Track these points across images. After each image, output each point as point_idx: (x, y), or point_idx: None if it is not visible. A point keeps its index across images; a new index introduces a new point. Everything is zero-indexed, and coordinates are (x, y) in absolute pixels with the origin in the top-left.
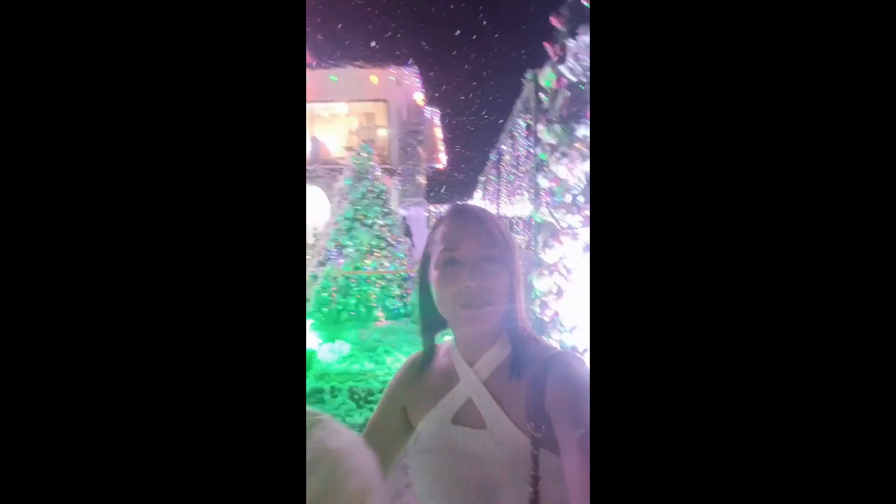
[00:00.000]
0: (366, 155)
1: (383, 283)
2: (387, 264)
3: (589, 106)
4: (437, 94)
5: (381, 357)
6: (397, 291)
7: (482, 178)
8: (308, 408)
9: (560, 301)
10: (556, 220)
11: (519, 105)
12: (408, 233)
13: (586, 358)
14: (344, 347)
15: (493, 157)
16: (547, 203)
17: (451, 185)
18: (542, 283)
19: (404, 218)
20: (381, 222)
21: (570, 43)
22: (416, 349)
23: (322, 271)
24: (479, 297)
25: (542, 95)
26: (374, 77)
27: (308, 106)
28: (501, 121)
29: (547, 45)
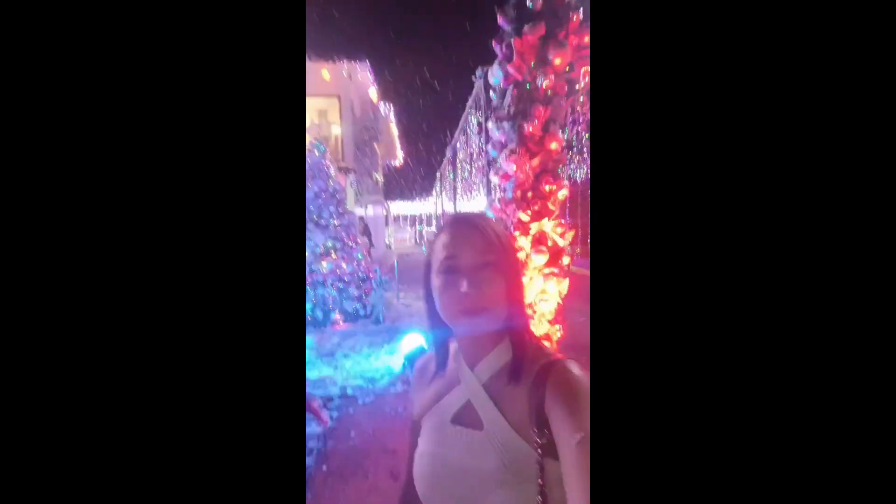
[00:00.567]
0: (318, 153)
1: (340, 286)
2: (344, 266)
3: (539, 104)
4: (391, 90)
5: (338, 362)
6: (355, 293)
7: (439, 176)
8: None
9: None
10: (507, 216)
11: (471, 102)
12: (366, 232)
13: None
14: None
15: (448, 154)
16: (498, 199)
17: (408, 182)
18: None
19: (361, 217)
20: (336, 222)
21: (516, 42)
22: (376, 350)
23: None
24: (478, 303)
25: (491, 93)
26: (325, 72)
27: None
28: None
29: (495, 44)
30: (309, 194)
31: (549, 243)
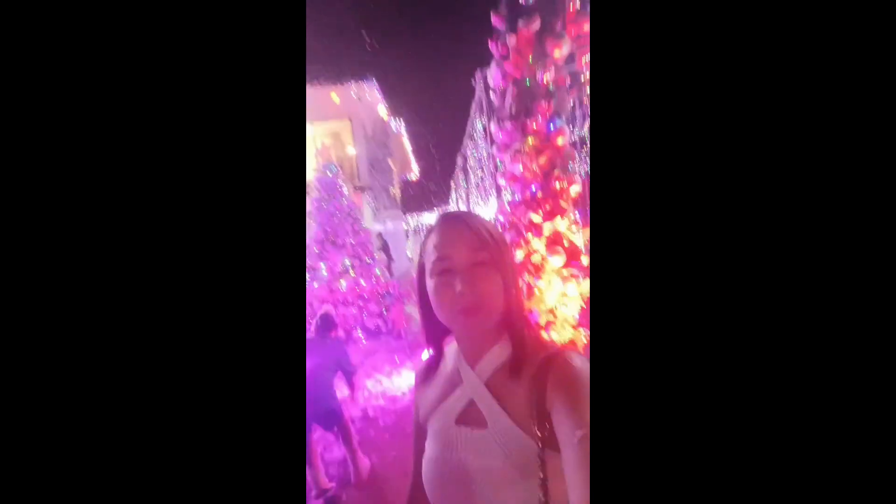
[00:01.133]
0: (331, 175)
1: (360, 304)
2: (363, 283)
3: (541, 99)
4: (399, 105)
5: (360, 381)
6: (375, 309)
7: (453, 184)
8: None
9: (531, 301)
10: (518, 219)
11: (474, 107)
12: (384, 248)
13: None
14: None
15: (459, 161)
16: (507, 202)
17: (424, 194)
18: None
19: (380, 234)
20: (352, 241)
21: (511, 40)
22: (397, 368)
23: None
24: (474, 301)
25: (491, 94)
26: (334, 95)
27: None
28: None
29: (491, 44)
30: (324, 215)
31: (566, 243)
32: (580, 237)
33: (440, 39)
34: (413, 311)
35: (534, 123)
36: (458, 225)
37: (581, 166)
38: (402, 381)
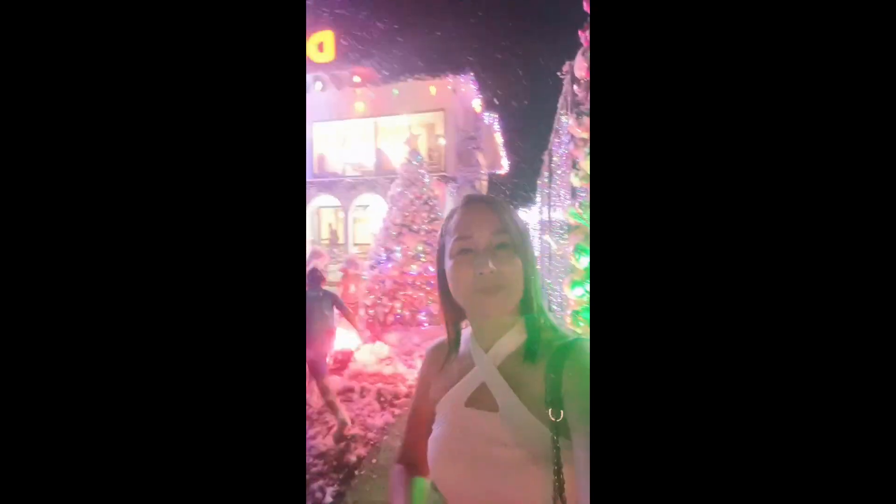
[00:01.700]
0: (416, 163)
1: (428, 288)
2: (432, 269)
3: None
4: (493, 100)
5: (415, 362)
6: None
7: (539, 182)
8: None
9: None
10: (586, 221)
11: (560, 101)
12: None
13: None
14: (383, 349)
15: (545, 159)
16: (579, 204)
17: (512, 189)
18: (573, 292)
19: None
20: (426, 228)
21: None
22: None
23: (371, 274)
24: (493, 283)
25: (575, 87)
26: (433, 87)
27: (374, 119)
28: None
29: (580, 33)
30: (404, 201)
31: None
32: None
33: (536, 28)
34: None
35: None
36: (481, 207)
37: None
38: None
